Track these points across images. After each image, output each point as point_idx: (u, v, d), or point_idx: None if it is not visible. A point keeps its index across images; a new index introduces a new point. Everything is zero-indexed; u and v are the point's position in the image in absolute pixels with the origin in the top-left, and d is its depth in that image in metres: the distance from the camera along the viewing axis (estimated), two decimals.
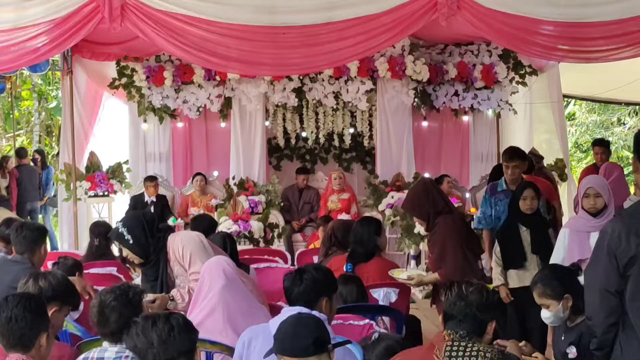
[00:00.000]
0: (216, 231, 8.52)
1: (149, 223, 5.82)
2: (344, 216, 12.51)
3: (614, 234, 3.47)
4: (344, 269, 6.79)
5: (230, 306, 5.11)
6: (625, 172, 15.04)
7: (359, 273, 6.81)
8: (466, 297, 3.76)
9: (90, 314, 4.11)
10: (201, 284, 5.29)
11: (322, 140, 13.91)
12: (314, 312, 4.08)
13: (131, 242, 5.78)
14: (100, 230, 8.48)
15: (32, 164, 15.87)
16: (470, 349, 3.63)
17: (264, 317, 5.19)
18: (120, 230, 5.82)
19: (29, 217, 14.02)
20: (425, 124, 14.13)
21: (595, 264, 3.58)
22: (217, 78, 13.17)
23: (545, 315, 4.92)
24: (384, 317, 6.26)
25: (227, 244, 6.77)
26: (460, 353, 3.63)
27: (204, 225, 8.40)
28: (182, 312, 5.16)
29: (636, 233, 3.40)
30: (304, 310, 4.22)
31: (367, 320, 5.50)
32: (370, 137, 13.82)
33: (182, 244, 5.76)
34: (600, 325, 3.54)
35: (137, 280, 6.29)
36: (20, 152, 15.48)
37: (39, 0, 8.83)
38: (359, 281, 6.37)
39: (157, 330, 3.60)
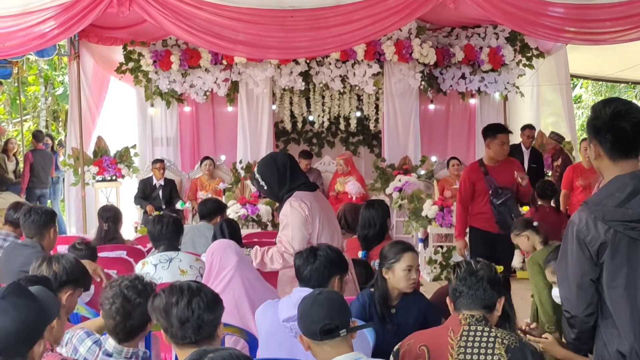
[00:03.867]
0: (225, 214, 8.55)
1: (280, 172, 5.81)
2: (357, 185, 12.60)
3: (581, 223, 3.45)
4: (359, 256, 6.81)
5: (245, 283, 5.12)
6: None
7: (371, 254, 6.83)
8: (476, 273, 3.78)
9: (107, 309, 3.92)
10: (210, 266, 5.28)
11: (328, 123, 13.92)
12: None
13: (265, 188, 5.85)
14: (109, 215, 8.50)
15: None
16: (487, 333, 3.63)
17: (276, 297, 5.23)
18: (256, 176, 5.90)
19: (37, 203, 13.98)
20: (432, 107, 14.13)
21: (566, 256, 3.56)
22: (224, 62, 13.20)
23: (556, 294, 4.92)
24: None
25: (224, 231, 6.75)
26: (477, 338, 3.63)
27: (212, 208, 8.43)
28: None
29: (603, 219, 3.40)
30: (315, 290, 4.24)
31: None
32: (377, 121, 13.86)
33: (290, 209, 5.69)
34: (579, 316, 3.54)
35: (151, 258, 6.29)
36: (38, 136, 15.22)
37: None
38: (366, 265, 6.41)
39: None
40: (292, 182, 5.75)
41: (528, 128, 12.93)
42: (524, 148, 12.71)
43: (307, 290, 4.30)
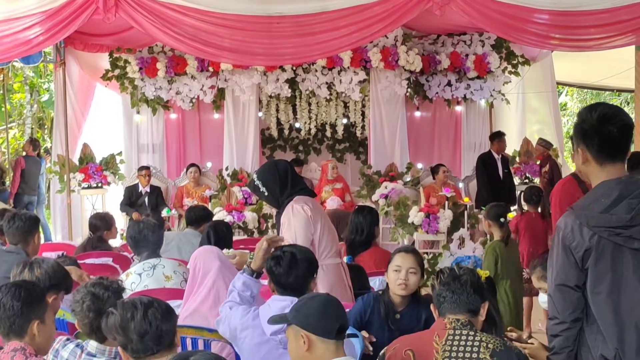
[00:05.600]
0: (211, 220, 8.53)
1: (282, 177, 5.80)
2: (336, 200, 12.59)
3: (567, 228, 3.46)
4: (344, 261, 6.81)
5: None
6: None
7: (357, 260, 6.84)
8: (460, 277, 3.79)
9: (79, 311, 3.94)
10: (193, 271, 5.25)
11: (315, 130, 13.94)
12: None
13: (266, 194, 5.82)
14: (97, 224, 8.50)
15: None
16: (472, 337, 3.64)
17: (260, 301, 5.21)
18: (255, 182, 5.87)
19: (25, 210, 13.88)
20: (418, 114, 14.18)
21: (553, 261, 3.58)
22: (210, 69, 13.20)
23: (543, 299, 4.94)
24: None
25: (210, 237, 6.72)
26: (462, 342, 3.63)
27: (199, 215, 8.41)
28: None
29: (588, 225, 3.41)
30: (295, 299, 4.22)
31: None
32: (364, 128, 13.87)
33: (292, 210, 5.66)
34: (563, 321, 3.55)
35: (134, 268, 6.27)
36: (35, 144, 15.16)
37: None
38: (361, 270, 6.40)
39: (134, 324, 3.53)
40: (293, 187, 5.76)
41: (504, 136, 12.92)
42: (495, 155, 12.74)
43: (286, 299, 4.30)
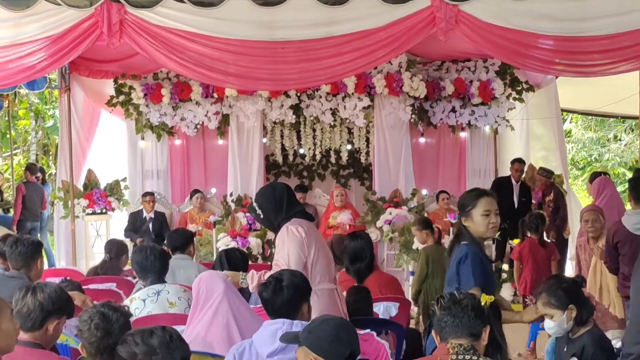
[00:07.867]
0: (192, 242, 8.51)
1: (278, 200, 5.84)
2: (344, 214, 12.59)
3: None
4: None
5: (234, 308, 5.07)
6: (621, 189, 15.20)
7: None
8: (460, 302, 3.79)
9: (86, 329, 3.92)
10: (197, 295, 5.24)
11: (319, 156, 13.95)
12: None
13: (262, 217, 5.87)
14: (111, 247, 8.57)
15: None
16: None
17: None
18: (253, 205, 5.93)
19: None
20: (422, 140, 14.15)
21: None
22: (215, 95, 13.23)
23: (549, 325, 4.91)
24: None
25: (223, 263, 6.70)
26: None
27: (182, 240, 8.30)
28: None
29: None
30: (287, 321, 4.23)
31: (367, 330, 5.51)
32: (368, 154, 13.88)
33: (286, 232, 5.69)
34: None
35: (138, 293, 6.25)
36: (32, 168, 15.18)
37: (37, 16, 8.81)
38: (367, 293, 6.40)
39: (157, 338, 3.52)
40: (288, 211, 5.78)
41: (517, 162, 12.98)
42: (513, 181, 12.77)
43: (279, 322, 4.30)
